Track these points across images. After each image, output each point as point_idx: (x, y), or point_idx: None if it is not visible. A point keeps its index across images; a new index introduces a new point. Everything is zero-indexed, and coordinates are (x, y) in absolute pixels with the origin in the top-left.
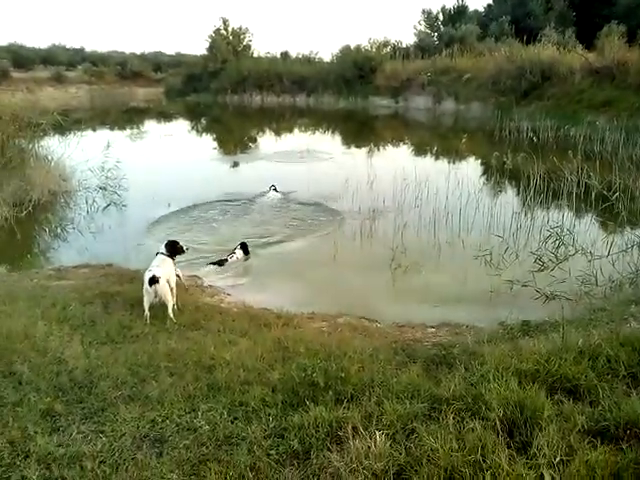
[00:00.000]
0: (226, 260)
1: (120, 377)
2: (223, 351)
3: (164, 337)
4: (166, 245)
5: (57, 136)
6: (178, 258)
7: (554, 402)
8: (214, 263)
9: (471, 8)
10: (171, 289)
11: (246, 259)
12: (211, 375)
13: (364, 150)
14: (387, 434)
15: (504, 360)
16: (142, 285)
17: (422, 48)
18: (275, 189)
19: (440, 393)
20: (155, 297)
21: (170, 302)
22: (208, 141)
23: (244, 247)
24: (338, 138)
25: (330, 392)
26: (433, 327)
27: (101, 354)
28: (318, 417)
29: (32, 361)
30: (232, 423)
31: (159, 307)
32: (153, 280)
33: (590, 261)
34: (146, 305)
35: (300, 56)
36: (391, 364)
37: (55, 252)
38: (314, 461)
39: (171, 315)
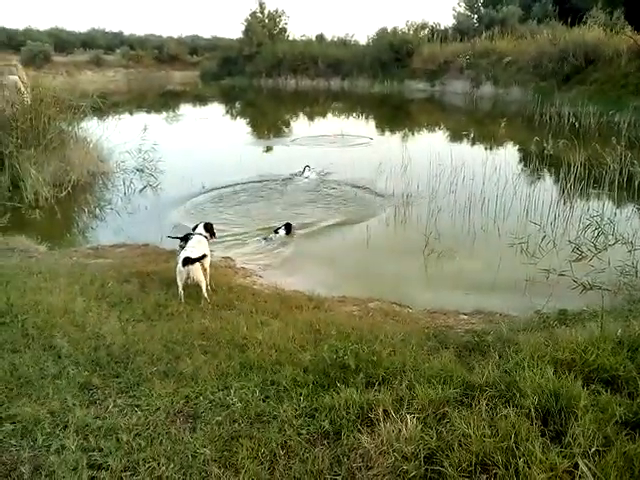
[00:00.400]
0: (271, 238)
1: (155, 353)
2: (255, 331)
3: (198, 316)
4: (204, 226)
5: (95, 119)
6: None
7: (590, 392)
8: (264, 239)
9: None
10: (205, 270)
11: (289, 239)
12: (243, 354)
13: (399, 134)
14: (418, 418)
15: (539, 348)
16: (176, 265)
17: (461, 30)
18: (309, 169)
19: (473, 379)
20: (188, 278)
21: (203, 282)
22: (242, 124)
23: (288, 227)
24: (372, 122)
25: (361, 374)
26: (466, 314)
27: (137, 331)
28: (349, 399)
29: (71, 335)
30: (264, 402)
31: (193, 287)
32: (187, 261)
33: (630, 251)
34: (180, 284)
35: (335, 39)
36: (423, 349)
37: (93, 232)
38: (344, 442)
39: (205, 295)
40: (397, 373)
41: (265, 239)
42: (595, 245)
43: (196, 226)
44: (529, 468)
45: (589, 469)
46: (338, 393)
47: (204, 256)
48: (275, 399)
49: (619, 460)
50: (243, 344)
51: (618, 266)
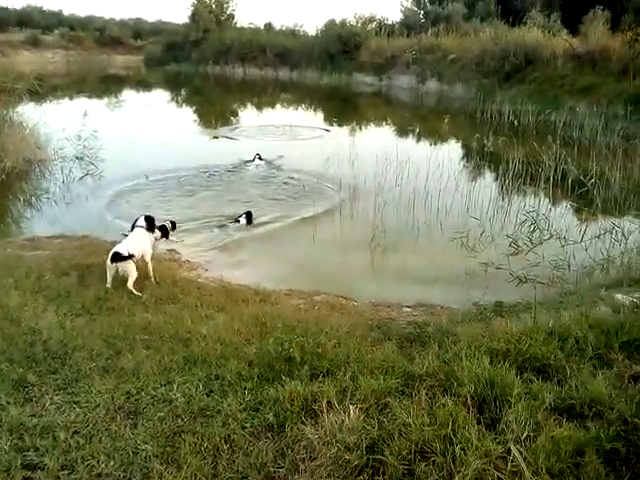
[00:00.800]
0: (226, 226)
1: (95, 349)
2: (200, 325)
3: (140, 310)
4: (145, 219)
5: (32, 103)
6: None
7: (523, 380)
8: (218, 227)
9: None
10: (146, 263)
11: (248, 227)
12: (187, 348)
13: (346, 128)
14: (361, 408)
15: (477, 339)
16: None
17: (408, 26)
18: (260, 157)
19: (413, 370)
20: (117, 273)
21: (132, 278)
22: (188, 113)
23: (249, 216)
24: (320, 115)
25: (306, 367)
26: (409, 307)
27: (76, 325)
28: (293, 391)
29: (5, 331)
30: (208, 396)
31: (139, 280)
32: (115, 257)
33: (564, 246)
34: (108, 278)
35: (284, 28)
36: (366, 341)
37: (29, 222)
38: (288, 434)
39: (131, 288)
40: (341, 365)
41: (220, 227)
42: (531, 240)
43: (137, 219)
44: (465, 455)
45: (520, 454)
46: (283, 386)
47: (132, 256)
48: (219, 393)
49: (547, 444)
50: (187, 338)
51: (552, 260)
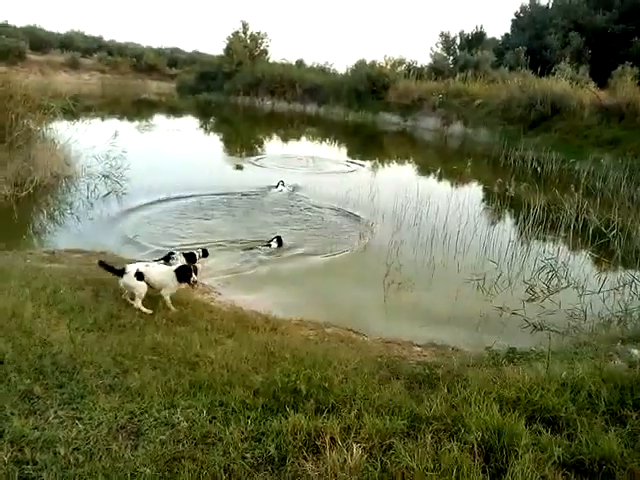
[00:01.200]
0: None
1: (103, 366)
2: (208, 349)
3: (151, 330)
4: (185, 255)
5: (66, 121)
6: None
7: (532, 431)
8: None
9: (489, 35)
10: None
11: (279, 250)
12: (194, 372)
13: (369, 164)
14: (364, 448)
15: (487, 385)
16: None
17: (436, 70)
18: (283, 184)
19: (420, 412)
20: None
21: (137, 297)
22: (215, 140)
23: (279, 240)
24: (344, 150)
25: (311, 400)
26: (420, 346)
27: (87, 341)
28: (297, 424)
29: (17, 341)
30: (210, 422)
31: (153, 299)
32: (120, 272)
33: (581, 296)
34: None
35: (315, 65)
36: (374, 378)
37: (51, 235)
38: (289, 468)
39: (136, 306)
40: (347, 401)
41: (250, 249)
42: (548, 287)
43: (172, 252)
44: None
45: None
46: (287, 418)
47: (140, 275)
48: (222, 421)
49: None
50: (195, 362)
51: (568, 309)
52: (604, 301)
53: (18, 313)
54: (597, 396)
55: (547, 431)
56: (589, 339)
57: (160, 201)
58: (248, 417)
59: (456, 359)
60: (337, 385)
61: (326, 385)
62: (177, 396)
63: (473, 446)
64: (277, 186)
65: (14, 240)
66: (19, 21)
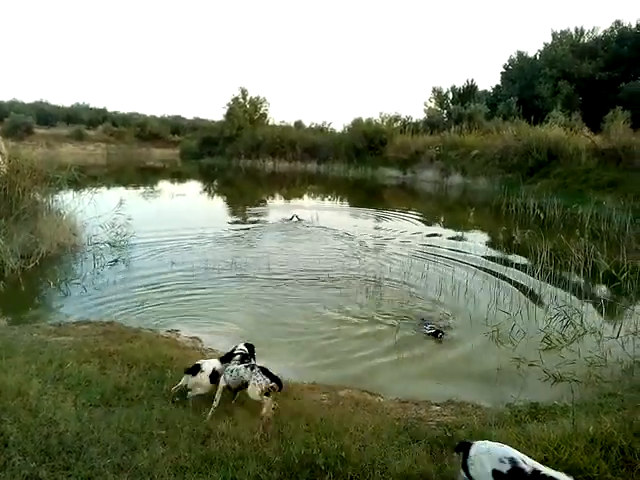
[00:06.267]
0: None
1: (111, 443)
2: (219, 421)
3: (160, 402)
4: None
5: (72, 191)
6: None
7: None
8: None
9: (480, 88)
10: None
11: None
12: (205, 447)
13: (371, 220)
14: None
15: (512, 446)
16: None
17: (431, 124)
18: (297, 218)
19: None
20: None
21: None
22: (219, 203)
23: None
24: (347, 205)
25: (329, 473)
26: (438, 405)
27: (94, 417)
28: None
29: (22, 421)
30: None
31: (156, 370)
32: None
33: (599, 342)
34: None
35: (313, 125)
36: (393, 444)
37: (58, 307)
38: None
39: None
40: (367, 471)
41: None
42: (563, 335)
43: (236, 346)
44: None
45: None
46: None
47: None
48: None
49: None
50: (205, 435)
51: (587, 357)
52: (623, 346)
53: (23, 391)
54: (630, 452)
55: None
56: (613, 389)
57: (166, 269)
58: None
59: (477, 418)
60: (354, 454)
61: (343, 455)
62: (188, 473)
63: None
64: (291, 218)
65: (21, 313)
66: (27, 97)
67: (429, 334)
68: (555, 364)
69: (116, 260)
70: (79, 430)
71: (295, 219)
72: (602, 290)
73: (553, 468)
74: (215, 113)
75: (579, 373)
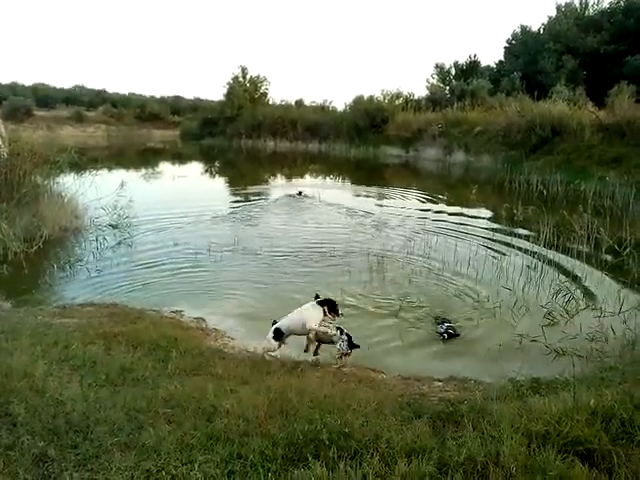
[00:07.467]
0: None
1: (117, 422)
2: (223, 399)
3: (164, 381)
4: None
5: (73, 174)
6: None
7: (567, 465)
8: None
9: (483, 63)
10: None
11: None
12: (210, 424)
13: (374, 197)
14: None
15: (514, 420)
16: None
17: (434, 100)
18: (301, 193)
19: (448, 454)
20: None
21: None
22: (221, 183)
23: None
24: (349, 184)
25: (333, 447)
26: (440, 381)
27: (100, 397)
28: (319, 477)
29: (29, 402)
30: (229, 477)
31: (160, 350)
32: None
33: (601, 317)
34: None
35: (314, 104)
36: (396, 419)
37: (62, 289)
38: None
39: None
40: (370, 446)
41: None
42: (566, 310)
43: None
44: None
45: None
46: (309, 468)
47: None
48: (241, 474)
49: None
50: (210, 412)
51: (589, 332)
52: (625, 322)
53: (30, 372)
54: (630, 424)
55: (583, 464)
56: (614, 363)
57: (168, 249)
58: (268, 469)
59: (479, 393)
60: (358, 429)
61: (347, 430)
62: (194, 450)
63: None
64: (299, 194)
65: (26, 296)
66: (26, 79)
67: (440, 334)
68: (557, 339)
69: (119, 242)
70: (85, 410)
71: (301, 195)
72: (605, 265)
73: (555, 441)
74: (215, 93)
75: (581, 348)
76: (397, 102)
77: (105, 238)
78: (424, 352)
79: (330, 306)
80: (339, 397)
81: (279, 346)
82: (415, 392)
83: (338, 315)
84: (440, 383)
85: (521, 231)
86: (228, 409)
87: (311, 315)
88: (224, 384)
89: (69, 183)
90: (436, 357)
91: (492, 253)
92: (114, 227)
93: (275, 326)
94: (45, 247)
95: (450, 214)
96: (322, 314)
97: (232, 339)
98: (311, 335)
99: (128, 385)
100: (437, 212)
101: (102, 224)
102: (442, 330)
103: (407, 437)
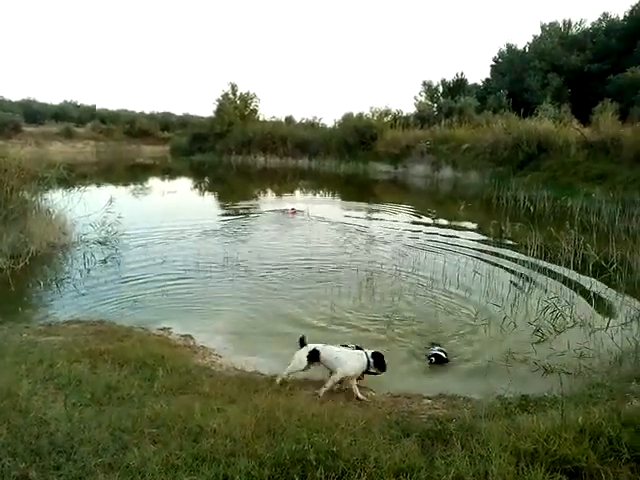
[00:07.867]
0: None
1: (102, 443)
2: (210, 418)
3: (150, 400)
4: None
5: (61, 190)
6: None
7: None
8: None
9: (470, 81)
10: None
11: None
12: (196, 444)
13: (363, 212)
14: None
15: (502, 438)
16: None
17: (422, 118)
18: (295, 210)
19: (435, 474)
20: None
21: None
22: (210, 199)
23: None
24: (339, 199)
25: (320, 468)
26: (429, 398)
27: (84, 416)
28: None
29: (12, 422)
30: None
31: (147, 368)
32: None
33: (589, 333)
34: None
35: (304, 121)
36: (384, 438)
37: (48, 306)
38: None
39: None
40: (358, 465)
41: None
42: (554, 327)
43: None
44: None
45: None
46: None
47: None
48: None
49: None
50: (197, 432)
51: (577, 349)
52: (612, 338)
53: (13, 392)
54: (618, 442)
55: None
56: (602, 380)
57: (156, 265)
58: None
59: (468, 411)
60: (346, 449)
61: (335, 450)
62: (179, 471)
63: None
64: (292, 210)
65: (10, 314)
66: (14, 95)
67: (429, 357)
68: (545, 356)
69: (106, 259)
70: (69, 430)
71: (292, 211)
72: (592, 281)
73: (543, 459)
74: (205, 109)
75: (569, 365)
76: (386, 119)
77: (93, 254)
78: (413, 369)
79: (377, 360)
80: (327, 415)
81: (305, 368)
82: (404, 410)
83: (384, 370)
84: (429, 401)
85: (509, 247)
86: (215, 429)
87: (354, 365)
88: (211, 403)
89: (57, 199)
90: (425, 374)
91: (481, 269)
92: (102, 243)
93: (313, 346)
94: (32, 264)
95: (439, 230)
96: (366, 367)
97: (220, 357)
98: (337, 377)
99: (113, 404)
100: (427, 227)
101: (90, 240)
102: (430, 354)
103: (395, 456)
